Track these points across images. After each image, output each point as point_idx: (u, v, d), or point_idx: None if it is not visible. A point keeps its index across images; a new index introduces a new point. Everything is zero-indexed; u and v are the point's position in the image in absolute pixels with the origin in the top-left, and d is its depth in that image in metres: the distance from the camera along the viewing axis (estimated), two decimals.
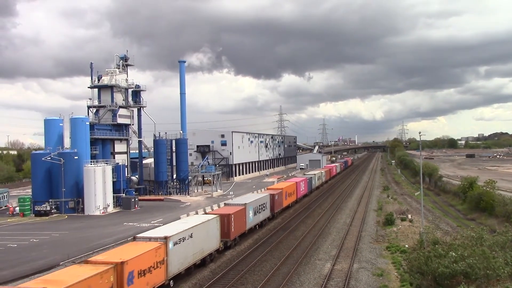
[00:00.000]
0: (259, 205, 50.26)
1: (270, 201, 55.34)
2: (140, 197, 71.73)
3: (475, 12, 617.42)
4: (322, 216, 59.73)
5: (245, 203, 45.65)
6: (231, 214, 40.15)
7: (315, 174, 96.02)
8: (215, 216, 37.57)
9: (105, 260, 23.77)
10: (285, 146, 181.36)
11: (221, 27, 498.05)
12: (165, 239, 28.22)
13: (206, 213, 45.75)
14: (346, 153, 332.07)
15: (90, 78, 75.07)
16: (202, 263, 33.92)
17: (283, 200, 62.30)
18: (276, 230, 49.91)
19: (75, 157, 63.19)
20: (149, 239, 28.65)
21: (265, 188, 75.31)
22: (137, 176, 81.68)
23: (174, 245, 28.98)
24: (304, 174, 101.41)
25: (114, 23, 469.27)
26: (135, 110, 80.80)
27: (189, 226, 32.35)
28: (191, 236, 31.61)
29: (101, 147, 71.10)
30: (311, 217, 59.19)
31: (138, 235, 30.31)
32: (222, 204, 55.88)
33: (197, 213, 54.21)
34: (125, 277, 23.28)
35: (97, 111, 74.70)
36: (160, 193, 79.68)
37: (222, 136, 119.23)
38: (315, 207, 68.96)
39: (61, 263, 33.33)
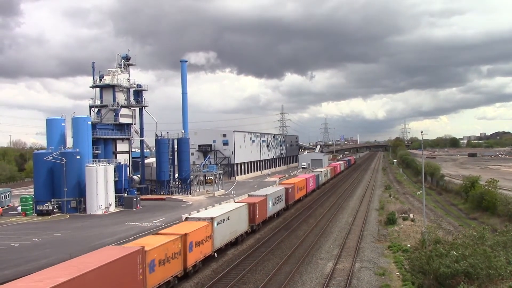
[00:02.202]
0: (277, 197, 57.29)
1: (285, 194, 62.04)
2: (142, 197, 71.79)
3: (478, 11, 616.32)
4: (325, 214, 59.97)
5: (266, 195, 53.08)
6: (256, 203, 47.16)
7: (321, 171, 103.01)
8: (244, 204, 45.00)
9: (172, 232, 30.73)
10: (287, 145, 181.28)
11: (224, 27, 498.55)
12: (211, 219, 35.17)
13: (235, 202, 52.36)
14: (348, 152, 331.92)
15: (92, 77, 75.31)
16: (235, 242, 40.95)
17: (295, 194, 69.20)
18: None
19: (77, 157, 63.23)
20: (198, 219, 35.74)
21: (279, 183, 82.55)
22: (139, 175, 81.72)
23: (217, 224, 35.92)
24: (312, 171, 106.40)
25: (117, 23, 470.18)
26: (137, 109, 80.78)
27: (227, 211, 39.50)
28: (228, 219, 38.49)
29: (103, 147, 71.15)
30: (315, 216, 59.39)
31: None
32: (224, 204, 56.74)
33: (199, 212, 54.52)
34: (187, 246, 30.22)
35: (99, 110, 74.74)
36: (162, 193, 79.72)
37: (224, 135, 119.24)
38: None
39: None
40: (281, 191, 60.25)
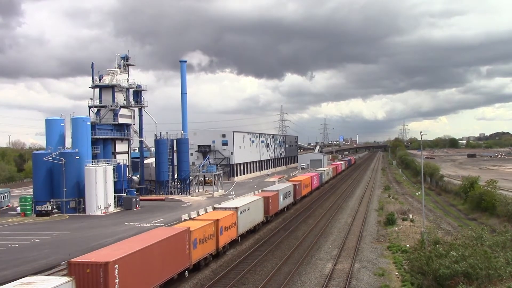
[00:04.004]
0: (286, 192, 63.22)
1: (293, 190, 68.23)
2: (141, 197, 71.74)
3: (478, 12, 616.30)
4: (325, 214, 60.13)
5: (278, 190, 59.08)
6: (270, 197, 53.31)
7: (324, 170, 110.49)
8: (261, 197, 51.29)
9: (206, 218, 37.10)
10: (286, 146, 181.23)
11: (225, 27, 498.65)
12: (236, 209, 41.12)
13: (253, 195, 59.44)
14: (347, 152, 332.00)
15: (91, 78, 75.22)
16: (253, 230, 46.87)
17: (302, 190, 75.34)
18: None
19: (76, 157, 63.20)
20: (225, 208, 41.84)
21: (288, 180, 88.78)
22: (138, 176, 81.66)
23: (240, 213, 41.68)
24: (316, 170, 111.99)
25: (118, 23, 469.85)
26: (136, 110, 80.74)
27: (247, 202, 45.76)
28: (248, 209, 44.54)
29: (102, 147, 71.10)
30: (317, 214, 59.53)
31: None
32: (223, 204, 57.51)
33: (198, 213, 54.73)
34: (219, 229, 35.93)
35: (98, 111, 74.68)
36: (161, 193, 79.69)
37: (223, 136, 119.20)
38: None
39: (62, 263, 33.34)
40: (290, 187, 66.39)
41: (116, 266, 22.17)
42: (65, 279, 20.26)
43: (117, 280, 22.11)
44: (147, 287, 25.33)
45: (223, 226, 36.88)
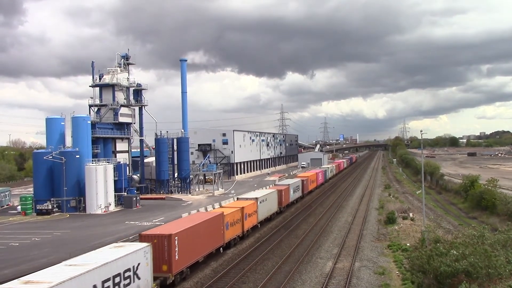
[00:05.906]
0: (296, 187, 69.43)
1: (301, 184, 74.33)
2: (141, 196, 71.74)
3: (479, 10, 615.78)
4: (325, 213, 60.12)
5: (289, 184, 65.59)
6: (282, 190, 59.56)
7: (328, 168, 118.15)
8: (275, 190, 57.74)
9: (232, 206, 44.32)
10: (287, 144, 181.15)
11: (226, 26, 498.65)
12: (256, 199, 47.50)
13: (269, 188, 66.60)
14: (347, 151, 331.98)
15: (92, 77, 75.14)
16: (269, 218, 52.90)
17: (309, 185, 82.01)
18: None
19: (77, 156, 63.16)
20: (246, 199, 48.41)
21: (296, 175, 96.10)
22: (138, 175, 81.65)
23: (260, 203, 48.10)
24: (320, 168, 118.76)
25: (119, 21, 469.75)
26: (137, 109, 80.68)
27: (265, 194, 52.33)
28: (266, 200, 50.92)
29: (102, 146, 71.05)
30: (318, 214, 59.46)
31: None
32: (223, 203, 58.03)
33: (198, 211, 54.78)
34: (244, 216, 42.19)
35: (98, 110, 74.61)
36: (161, 192, 79.68)
37: (224, 134, 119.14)
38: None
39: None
40: (298, 182, 72.86)
41: (176, 237, 28.21)
42: (146, 244, 25.65)
43: (176, 249, 28.18)
44: (196, 256, 31.76)
45: (247, 213, 43.17)
